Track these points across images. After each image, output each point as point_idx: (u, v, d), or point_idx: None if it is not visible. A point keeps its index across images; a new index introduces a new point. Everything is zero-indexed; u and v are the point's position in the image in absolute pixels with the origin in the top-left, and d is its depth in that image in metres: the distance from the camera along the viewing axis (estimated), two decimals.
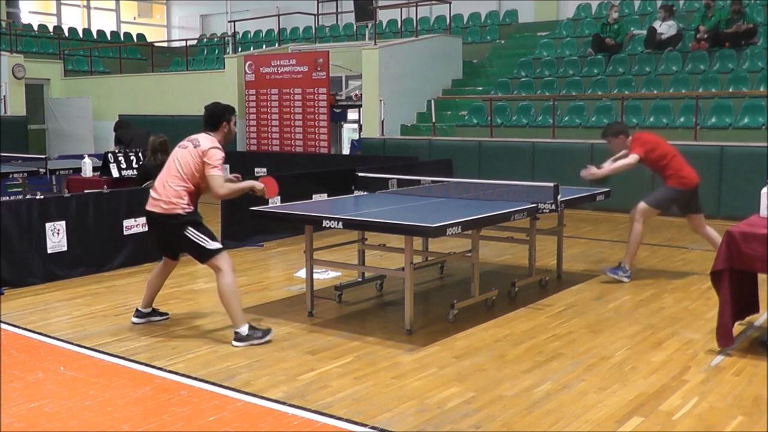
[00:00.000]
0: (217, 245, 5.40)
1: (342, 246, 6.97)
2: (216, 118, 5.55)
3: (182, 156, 5.43)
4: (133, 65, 20.86)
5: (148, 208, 5.46)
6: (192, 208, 5.45)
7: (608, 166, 7.18)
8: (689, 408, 4.18)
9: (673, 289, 6.92)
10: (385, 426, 3.94)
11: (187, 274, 7.63)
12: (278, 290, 6.99)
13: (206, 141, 5.42)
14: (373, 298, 6.71)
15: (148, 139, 9.32)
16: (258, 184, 5.66)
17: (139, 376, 4.72)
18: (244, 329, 5.30)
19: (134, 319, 5.88)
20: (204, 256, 5.39)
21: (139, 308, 5.92)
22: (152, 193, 5.46)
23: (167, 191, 5.37)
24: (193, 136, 5.51)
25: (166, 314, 6.02)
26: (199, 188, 5.49)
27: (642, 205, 7.15)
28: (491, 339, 5.46)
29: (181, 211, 5.34)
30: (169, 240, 5.56)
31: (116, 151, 10.41)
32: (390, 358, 5.03)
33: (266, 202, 6.06)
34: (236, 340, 5.29)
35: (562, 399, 4.31)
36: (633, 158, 7.00)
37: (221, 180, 5.39)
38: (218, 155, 5.38)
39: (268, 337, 5.33)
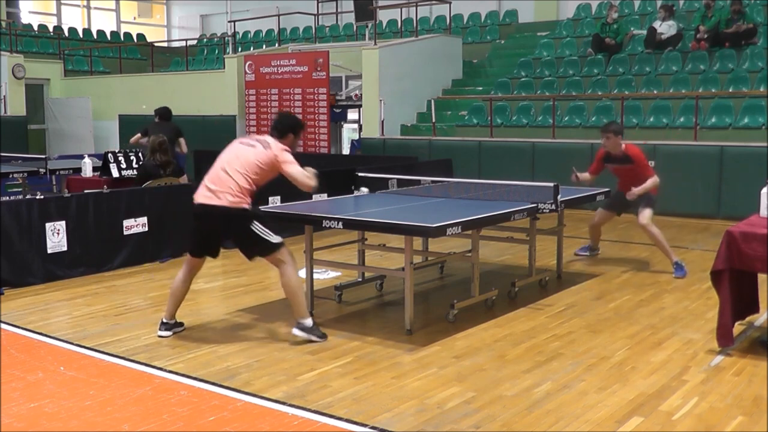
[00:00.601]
0: (280, 239, 5.36)
1: (342, 246, 6.97)
2: (284, 126, 5.48)
3: (248, 153, 5.32)
4: (133, 65, 20.86)
5: (205, 201, 5.28)
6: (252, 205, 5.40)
7: (640, 188, 7.50)
8: (689, 408, 4.18)
9: (673, 289, 6.92)
10: (385, 426, 3.94)
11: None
12: (278, 290, 6.95)
13: (276, 144, 5.36)
14: (373, 298, 6.71)
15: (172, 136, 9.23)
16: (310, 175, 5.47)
17: (139, 376, 4.72)
18: (309, 321, 5.36)
19: (162, 333, 5.52)
20: (269, 250, 5.33)
21: (165, 320, 5.58)
22: (209, 185, 5.30)
23: (230, 184, 5.22)
24: (261, 137, 5.47)
25: (182, 325, 5.71)
26: (258, 187, 5.39)
27: (647, 212, 7.51)
28: (491, 339, 5.46)
29: (246, 206, 5.27)
30: (226, 234, 5.44)
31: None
32: (390, 358, 5.03)
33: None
34: (299, 329, 5.34)
35: (562, 399, 4.32)
36: (656, 180, 7.57)
37: (303, 172, 5.35)
38: (290, 156, 5.36)
39: (323, 340, 5.35)
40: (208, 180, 5.35)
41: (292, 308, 5.40)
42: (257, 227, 5.29)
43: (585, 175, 7.82)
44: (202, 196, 5.31)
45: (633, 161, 7.55)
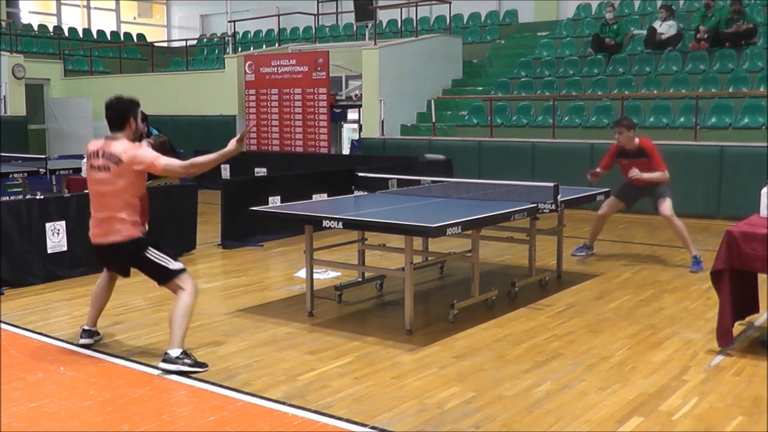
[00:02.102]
0: (180, 265, 4.95)
1: (342, 246, 6.97)
2: (119, 115, 4.91)
3: (107, 179, 4.81)
4: (133, 65, 20.86)
5: (98, 241, 4.94)
6: (146, 227, 4.99)
7: (648, 176, 7.68)
8: (689, 408, 4.18)
9: (673, 289, 6.92)
10: (385, 426, 3.94)
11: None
12: (278, 290, 6.99)
13: (119, 145, 4.82)
14: (373, 298, 6.71)
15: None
16: (230, 147, 4.86)
17: (139, 376, 4.72)
18: (176, 351, 4.75)
19: (83, 341, 5.24)
20: (167, 277, 4.94)
21: (86, 327, 5.30)
22: (94, 225, 4.94)
23: (114, 215, 4.83)
24: (100, 148, 4.88)
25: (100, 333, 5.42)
26: (143, 200, 4.95)
27: (667, 203, 7.72)
28: (491, 339, 5.46)
29: (140, 234, 4.89)
30: (127, 264, 5.10)
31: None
32: (390, 358, 5.03)
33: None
34: (164, 360, 4.73)
35: (562, 399, 4.32)
36: (665, 175, 7.76)
37: (175, 163, 4.86)
38: (145, 150, 4.82)
39: (198, 369, 4.73)
40: (94, 217, 4.96)
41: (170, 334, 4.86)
42: (153, 254, 4.90)
43: (597, 171, 7.87)
44: (95, 235, 4.95)
45: (647, 155, 7.66)
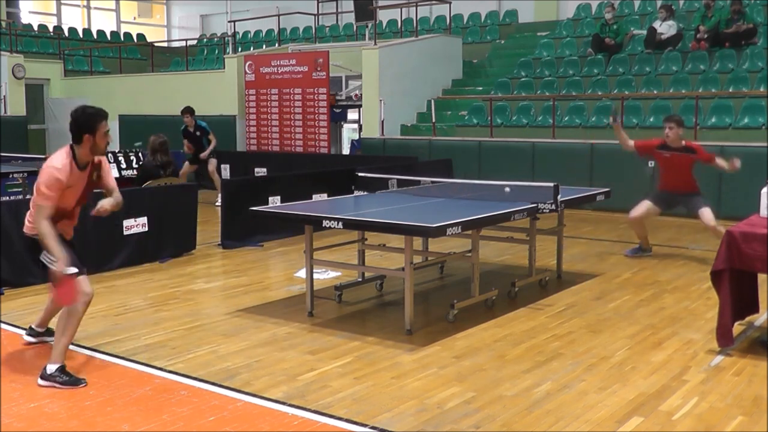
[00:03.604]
0: (74, 270, 4.56)
1: (342, 246, 6.97)
2: (75, 128, 4.64)
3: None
4: (133, 65, 20.85)
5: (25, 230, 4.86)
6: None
7: (726, 163, 7.91)
8: (689, 408, 4.18)
9: (673, 289, 6.92)
10: (385, 426, 3.94)
11: (187, 275, 7.64)
12: (278, 290, 6.99)
13: (53, 159, 4.64)
14: (373, 298, 6.71)
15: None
16: (61, 264, 4.45)
17: (139, 376, 4.72)
18: (54, 368, 4.53)
19: (26, 338, 5.28)
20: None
21: (34, 326, 5.31)
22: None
23: (31, 210, 4.71)
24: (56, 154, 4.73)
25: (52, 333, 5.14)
26: (59, 210, 4.69)
27: (708, 211, 7.89)
28: (491, 339, 5.46)
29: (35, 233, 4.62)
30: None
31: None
32: (390, 358, 5.03)
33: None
34: (41, 376, 4.53)
35: (562, 399, 4.32)
36: (719, 160, 7.93)
37: (42, 211, 4.52)
38: (51, 177, 4.52)
39: (73, 387, 4.48)
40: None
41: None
42: (45, 257, 4.57)
43: (626, 138, 8.03)
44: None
45: (695, 151, 7.82)
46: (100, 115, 4.67)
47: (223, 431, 3.90)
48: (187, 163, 12.69)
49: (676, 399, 4.31)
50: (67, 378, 4.53)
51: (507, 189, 6.76)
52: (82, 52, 21.09)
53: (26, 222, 4.81)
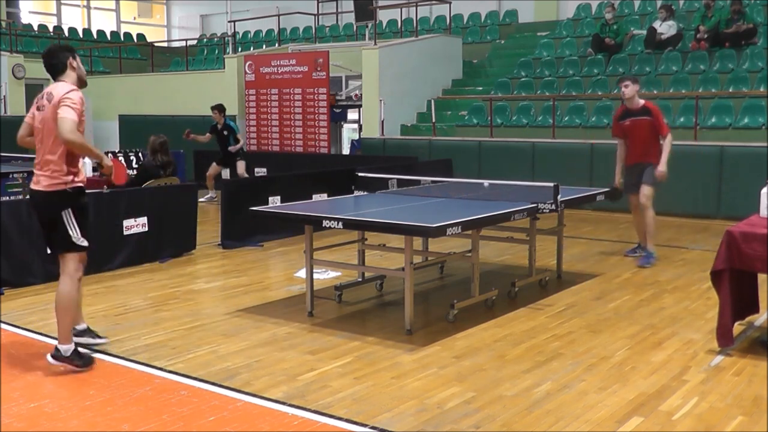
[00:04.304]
0: (85, 244, 4.81)
1: (342, 246, 6.97)
2: (59, 61, 4.82)
3: (44, 118, 4.78)
4: (133, 65, 20.86)
5: (32, 187, 4.86)
6: (79, 183, 4.81)
7: (665, 158, 7.72)
8: (689, 408, 4.18)
9: (673, 289, 6.92)
10: (385, 426, 3.94)
11: (187, 274, 7.64)
12: (278, 290, 6.99)
13: (62, 87, 4.74)
14: (373, 298, 6.71)
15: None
16: (107, 160, 5.03)
17: (139, 376, 4.72)
18: (68, 348, 4.72)
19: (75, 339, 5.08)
20: (67, 248, 4.78)
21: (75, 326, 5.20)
22: (35, 170, 4.84)
23: (43, 164, 4.75)
24: (48, 89, 4.83)
25: (105, 339, 5.33)
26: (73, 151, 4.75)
27: (647, 189, 7.69)
28: (491, 339, 5.46)
29: (65, 187, 4.72)
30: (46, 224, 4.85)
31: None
32: (390, 358, 5.03)
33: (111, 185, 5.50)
34: (53, 357, 4.71)
35: (562, 399, 4.32)
36: (670, 138, 7.74)
37: (72, 123, 4.58)
38: (76, 96, 4.67)
39: (85, 368, 4.73)
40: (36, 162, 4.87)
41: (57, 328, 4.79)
42: (68, 216, 4.71)
43: (619, 158, 8.08)
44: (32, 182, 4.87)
45: (651, 113, 7.79)
46: (69, 47, 5.04)
47: (223, 431, 3.90)
48: (214, 164, 12.83)
49: (676, 399, 4.31)
50: (81, 361, 4.76)
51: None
52: (82, 52, 21.05)
53: (40, 180, 4.76)
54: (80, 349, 4.84)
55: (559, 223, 7.46)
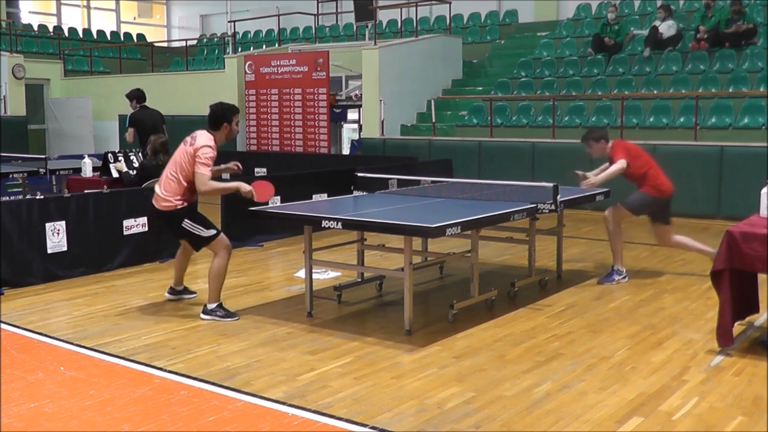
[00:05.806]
0: (213, 232, 5.93)
1: (342, 246, 6.97)
2: (216, 118, 5.90)
3: (179, 153, 5.86)
4: (133, 65, 20.85)
5: (154, 203, 5.99)
6: (186, 203, 5.90)
7: (602, 175, 7.09)
8: (689, 408, 4.18)
9: (673, 289, 6.92)
10: (385, 426, 3.94)
11: (187, 274, 7.61)
12: (278, 290, 7.00)
13: (202, 139, 5.78)
14: (373, 299, 6.71)
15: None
16: (245, 186, 5.90)
17: (139, 376, 4.72)
18: (213, 305, 5.92)
19: (167, 295, 6.54)
20: (202, 242, 5.95)
21: (172, 286, 6.56)
22: (156, 189, 5.95)
23: (165, 189, 5.86)
24: (195, 133, 5.86)
25: (194, 293, 6.61)
26: (192, 184, 5.84)
27: (618, 206, 7.14)
28: (491, 339, 5.46)
29: (176, 208, 5.85)
30: (170, 232, 6.21)
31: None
32: (390, 358, 5.03)
33: (260, 203, 6.21)
34: (203, 312, 5.95)
35: (562, 399, 4.32)
36: (622, 164, 6.95)
37: (205, 178, 5.72)
38: (208, 153, 5.72)
39: (229, 320, 5.87)
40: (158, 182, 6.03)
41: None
42: (187, 224, 5.87)
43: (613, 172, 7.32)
44: (153, 199, 6.02)
45: (613, 157, 7.08)
46: (234, 108, 5.99)
47: (223, 431, 3.90)
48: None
49: (676, 399, 4.31)
50: (224, 312, 5.92)
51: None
52: (82, 52, 21.10)
53: (160, 201, 5.88)
54: (224, 306, 5.98)
55: (558, 223, 7.46)
